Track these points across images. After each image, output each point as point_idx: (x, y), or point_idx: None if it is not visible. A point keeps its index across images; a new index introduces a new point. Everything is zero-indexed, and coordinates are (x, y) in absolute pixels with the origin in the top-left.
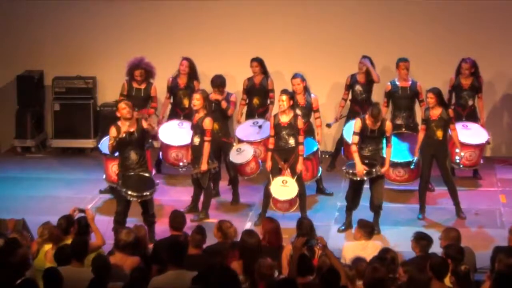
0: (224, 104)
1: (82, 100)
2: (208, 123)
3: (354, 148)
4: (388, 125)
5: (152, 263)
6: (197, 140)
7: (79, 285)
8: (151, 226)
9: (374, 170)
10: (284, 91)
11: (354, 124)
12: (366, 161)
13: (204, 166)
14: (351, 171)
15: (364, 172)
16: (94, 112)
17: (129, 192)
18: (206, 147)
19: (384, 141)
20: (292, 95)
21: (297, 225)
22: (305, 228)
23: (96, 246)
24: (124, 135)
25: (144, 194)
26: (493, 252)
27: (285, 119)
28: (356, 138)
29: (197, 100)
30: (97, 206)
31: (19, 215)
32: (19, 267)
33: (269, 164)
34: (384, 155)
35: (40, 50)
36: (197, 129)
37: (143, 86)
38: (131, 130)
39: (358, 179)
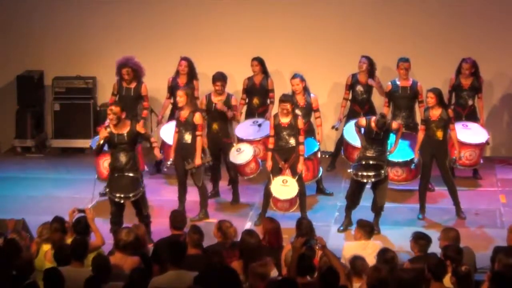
0: (230, 115)
1: (82, 100)
2: (198, 118)
3: (357, 129)
4: (394, 124)
5: (152, 263)
6: (188, 138)
7: (79, 285)
8: (146, 226)
9: (382, 172)
10: (287, 99)
11: (360, 120)
12: (372, 162)
13: (198, 161)
14: (359, 174)
15: (372, 175)
16: (94, 112)
17: (113, 194)
18: (199, 142)
19: (392, 136)
20: (293, 101)
21: (296, 225)
22: (305, 228)
23: (96, 246)
24: (102, 141)
25: (129, 195)
26: (493, 252)
27: (285, 120)
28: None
29: (180, 97)
30: (96, 208)
31: (19, 215)
32: (24, 270)
33: (269, 164)
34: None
35: (40, 50)
36: (188, 126)
37: (133, 86)
38: (121, 132)
39: (365, 181)
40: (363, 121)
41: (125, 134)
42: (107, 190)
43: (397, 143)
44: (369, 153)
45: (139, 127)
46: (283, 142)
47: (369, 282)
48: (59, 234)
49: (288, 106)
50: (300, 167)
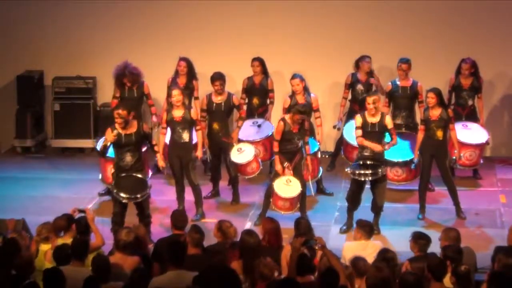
0: (240, 124)
1: (82, 100)
2: (194, 113)
3: (360, 139)
4: (388, 118)
5: (153, 261)
6: (186, 136)
7: (80, 285)
8: (146, 226)
9: (379, 170)
10: (307, 111)
11: (355, 121)
12: (369, 162)
13: (200, 153)
14: (356, 172)
15: (370, 173)
16: (94, 112)
17: (121, 194)
18: (200, 135)
19: (388, 135)
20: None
21: (294, 225)
22: (303, 228)
23: (96, 246)
24: (109, 143)
25: (136, 196)
26: (494, 252)
27: (296, 126)
28: (360, 132)
29: (179, 95)
30: (96, 208)
31: (19, 215)
32: (24, 269)
33: (279, 167)
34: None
35: (40, 50)
36: (186, 124)
37: (135, 86)
38: (129, 132)
39: (362, 179)
40: (358, 118)
41: (133, 135)
42: (114, 190)
43: (395, 139)
44: (367, 152)
45: (146, 128)
46: (293, 146)
47: (370, 282)
48: (64, 224)
49: (304, 117)
50: (310, 165)
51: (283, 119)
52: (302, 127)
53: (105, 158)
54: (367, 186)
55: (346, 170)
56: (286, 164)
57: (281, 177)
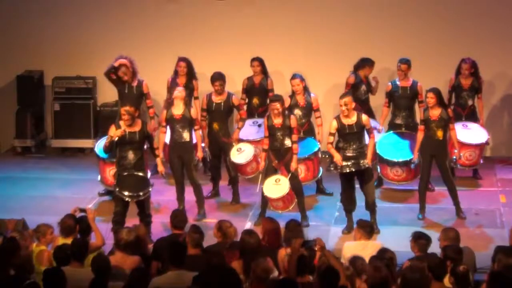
0: (241, 125)
1: (82, 100)
2: (194, 112)
3: (329, 146)
4: (365, 117)
5: (152, 260)
6: (187, 135)
7: (79, 285)
8: (147, 226)
9: (361, 161)
10: (276, 99)
11: (330, 125)
12: (353, 161)
13: (200, 153)
14: (338, 166)
15: (351, 164)
16: (94, 112)
17: (124, 193)
18: (198, 135)
19: (366, 136)
20: (283, 101)
21: (285, 227)
22: (292, 230)
23: (96, 246)
24: (116, 138)
25: (139, 194)
26: (494, 252)
27: (278, 120)
28: (331, 138)
29: (183, 92)
30: (96, 208)
31: (19, 215)
32: (23, 269)
33: (262, 164)
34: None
35: (40, 50)
36: (185, 122)
37: (134, 84)
38: (133, 130)
39: (347, 171)
40: (334, 123)
41: (137, 133)
42: (117, 189)
43: (373, 137)
44: (348, 153)
45: (150, 128)
46: (278, 143)
47: (370, 282)
48: (72, 223)
49: (277, 105)
50: (294, 165)
51: (268, 115)
52: (285, 123)
53: (104, 160)
54: (357, 186)
55: (330, 168)
56: (274, 162)
57: (270, 178)
